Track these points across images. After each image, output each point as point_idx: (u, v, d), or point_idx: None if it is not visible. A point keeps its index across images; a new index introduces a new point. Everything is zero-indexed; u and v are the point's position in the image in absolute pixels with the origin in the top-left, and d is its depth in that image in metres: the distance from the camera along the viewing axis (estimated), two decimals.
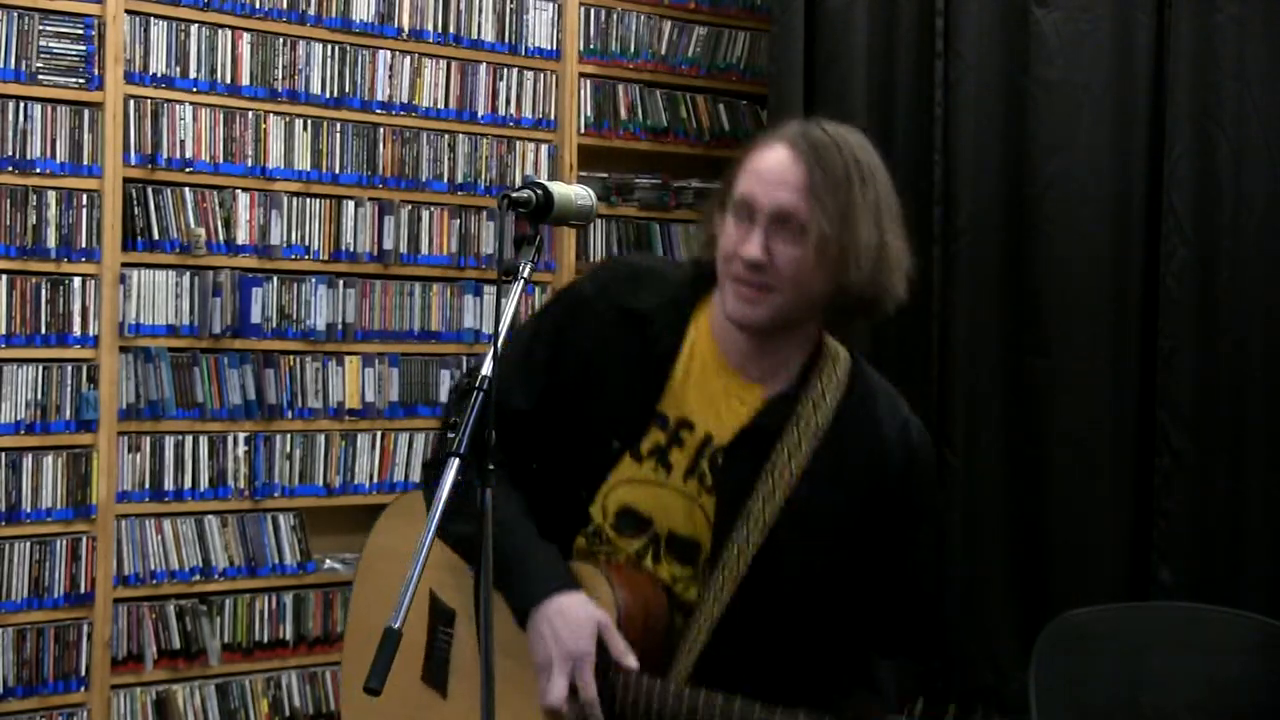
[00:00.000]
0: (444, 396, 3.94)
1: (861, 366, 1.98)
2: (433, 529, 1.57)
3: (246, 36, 3.69)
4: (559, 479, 1.94)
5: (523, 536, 1.85)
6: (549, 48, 4.13)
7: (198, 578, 3.63)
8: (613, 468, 1.92)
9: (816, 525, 1.90)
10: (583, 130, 4.16)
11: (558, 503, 1.94)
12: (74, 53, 3.48)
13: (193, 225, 3.62)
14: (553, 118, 4.14)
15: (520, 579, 1.84)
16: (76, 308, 3.49)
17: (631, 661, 1.81)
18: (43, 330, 3.46)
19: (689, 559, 1.92)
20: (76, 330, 3.49)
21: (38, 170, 3.44)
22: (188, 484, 3.62)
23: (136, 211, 3.56)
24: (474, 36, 4.02)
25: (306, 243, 3.77)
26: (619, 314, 1.91)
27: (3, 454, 3.41)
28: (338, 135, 3.82)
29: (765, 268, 1.82)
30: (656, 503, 1.92)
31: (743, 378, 1.93)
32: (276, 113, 3.73)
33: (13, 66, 3.42)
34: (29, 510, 3.43)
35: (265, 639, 3.71)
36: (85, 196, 3.49)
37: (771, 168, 1.86)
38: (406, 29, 3.91)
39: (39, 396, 3.44)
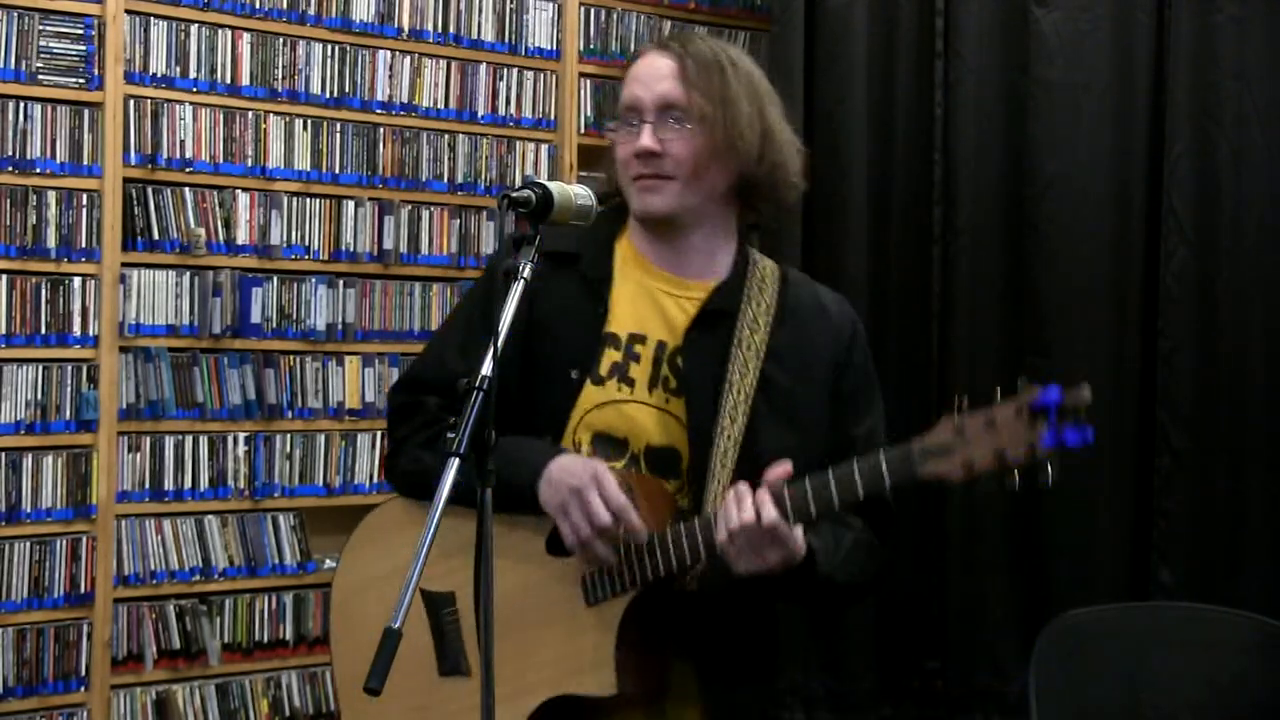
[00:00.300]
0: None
1: (788, 269, 2.10)
2: (432, 529, 1.57)
3: (246, 36, 3.69)
4: (526, 430, 1.95)
5: (508, 441, 1.78)
6: (549, 48, 4.13)
7: (198, 578, 3.63)
8: (576, 398, 1.96)
9: (789, 403, 1.97)
10: (583, 130, 4.16)
11: None
12: (74, 53, 3.48)
13: (193, 225, 3.62)
14: (553, 118, 4.14)
15: (518, 465, 1.86)
16: (76, 308, 3.49)
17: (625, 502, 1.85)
18: (43, 330, 3.46)
19: (672, 470, 1.96)
20: (76, 330, 3.49)
21: (38, 170, 3.44)
22: (188, 484, 3.62)
23: (136, 211, 3.56)
24: (474, 36, 4.02)
25: (306, 243, 3.77)
26: (545, 259, 1.91)
27: (3, 454, 3.41)
28: (338, 135, 3.82)
29: (661, 156, 1.94)
30: (627, 421, 1.95)
31: (678, 276, 2.01)
32: (276, 113, 3.73)
33: (13, 66, 3.42)
34: (29, 510, 3.43)
35: (265, 639, 3.71)
36: (85, 196, 3.49)
37: (646, 68, 1.99)
38: (406, 29, 3.91)
39: (39, 396, 3.44)
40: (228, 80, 3.67)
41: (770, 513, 1.76)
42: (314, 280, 3.77)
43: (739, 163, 1.97)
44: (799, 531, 1.80)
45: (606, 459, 1.94)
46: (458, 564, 1.88)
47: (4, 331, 3.41)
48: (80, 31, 3.49)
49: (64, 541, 3.46)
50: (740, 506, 1.78)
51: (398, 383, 2.17)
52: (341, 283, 3.81)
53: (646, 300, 2.00)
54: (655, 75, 1.98)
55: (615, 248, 2.05)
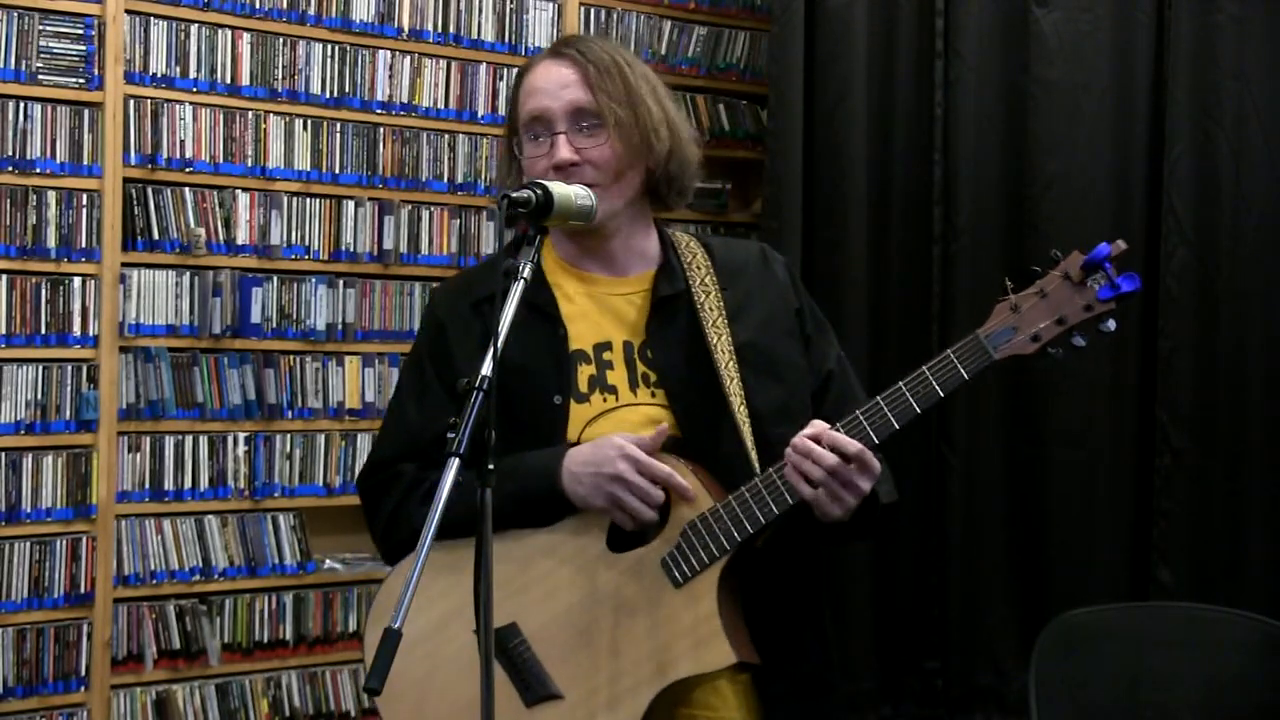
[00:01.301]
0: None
1: (699, 234, 2.13)
2: (432, 529, 1.57)
3: (246, 36, 3.69)
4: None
5: (507, 463, 1.78)
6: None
7: (198, 578, 3.63)
8: (566, 422, 1.96)
9: (766, 358, 2.00)
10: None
11: None
12: (74, 53, 3.48)
13: (193, 225, 3.62)
14: None
15: (527, 477, 1.87)
16: (76, 308, 3.49)
17: (658, 441, 1.88)
18: (43, 330, 3.46)
19: (679, 456, 1.96)
20: (76, 330, 3.49)
21: (38, 170, 3.44)
22: (188, 484, 3.62)
23: (136, 211, 3.56)
24: (474, 36, 4.02)
25: (306, 243, 3.77)
26: (472, 307, 2.01)
27: (3, 454, 3.41)
28: (338, 135, 3.82)
29: (580, 165, 1.94)
30: (620, 426, 1.95)
31: (614, 277, 2.03)
32: (276, 113, 3.73)
33: (13, 66, 3.42)
34: (29, 510, 3.43)
35: (265, 639, 3.71)
36: (85, 196, 3.49)
37: (549, 78, 1.98)
38: (406, 29, 3.91)
39: (39, 396, 3.44)
40: (228, 80, 3.67)
41: (853, 443, 1.80)
42: (314, 280, 3.77)
43: (653, 160, 1.99)
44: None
45: None
46: (503, 595, 1.86)
47: (4, 331, 3.41)
48: (80, 31, 3.49)
49: (64, 541, 3.46)
50: (814, 456, 1.80)
51: (362, 471, 2.11)
52: (341, 283, 3.81)
53: (597, 308, 2.01)
54: (559, 83, 1.97)
55: (545, 271, 2.03)
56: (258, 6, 3.69)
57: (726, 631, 1.83)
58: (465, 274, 2.23)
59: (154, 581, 3.57)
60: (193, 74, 3.62)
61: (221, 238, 3.66)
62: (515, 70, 4.06)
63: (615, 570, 1.90)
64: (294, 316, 3.74)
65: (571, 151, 1.94)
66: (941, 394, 1.82)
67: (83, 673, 3.48)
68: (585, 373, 1.98)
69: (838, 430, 1.82)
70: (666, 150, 1.99)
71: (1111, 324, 1.79)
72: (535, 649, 1.92)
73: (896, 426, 1.81)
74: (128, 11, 3.53)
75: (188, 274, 3.62)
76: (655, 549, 1.89)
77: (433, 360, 2.05)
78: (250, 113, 3.70)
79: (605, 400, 1.97)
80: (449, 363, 2.02)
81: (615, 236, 2.02)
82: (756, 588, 1.93)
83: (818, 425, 1.84)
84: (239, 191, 3.68)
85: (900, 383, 1.83)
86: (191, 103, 3.62)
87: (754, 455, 1.91)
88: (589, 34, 1.95)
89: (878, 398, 1.83)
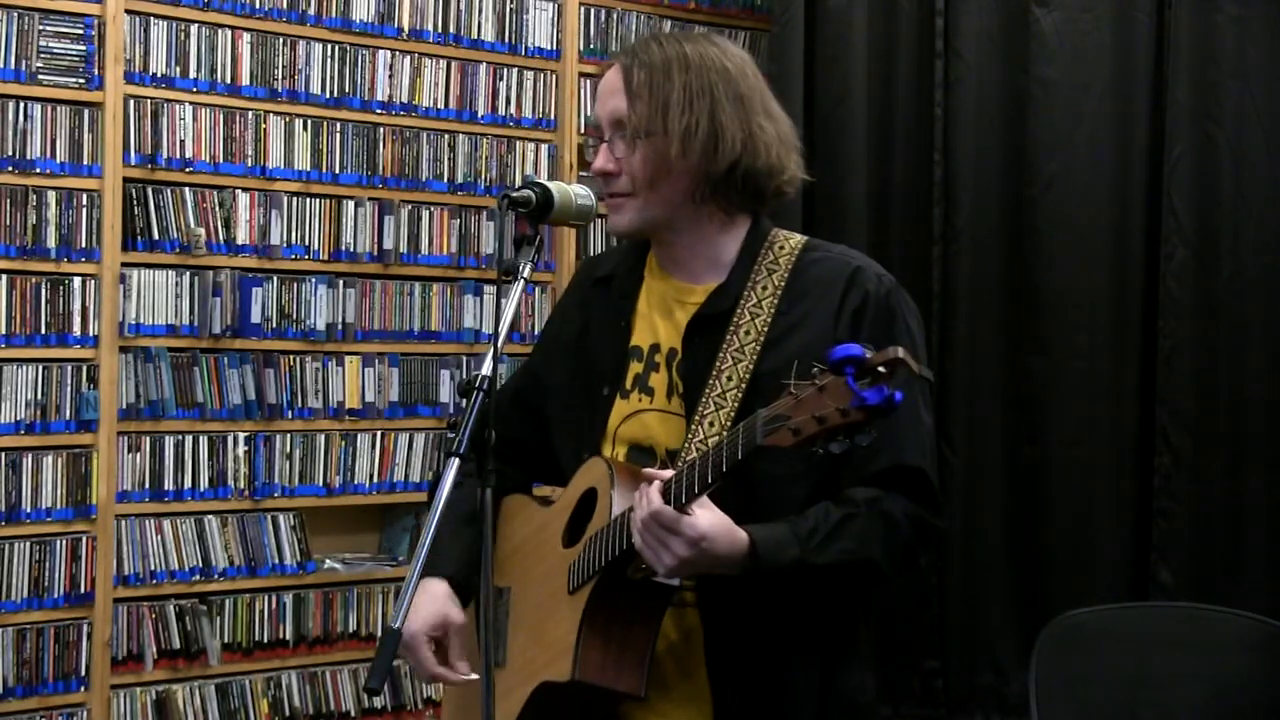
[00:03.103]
0: (446, 396, 3.94)
1: (815, 242, 2.00)
2: (433, 529, 1.57)
3: (246, 36, 3.69)
4: (568, 447, 2.00)
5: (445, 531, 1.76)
6: (549, 48, 4.13)
7: (198, 578, 3.63)
8: (609, 414, 1.96)
9: (779, 392, 1.85)
10: (583, 130, 4.16)
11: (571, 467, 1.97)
12: (74, 53, 3.48)
13: (193, 225, 3.62)
14: (553, 118, 4.14)
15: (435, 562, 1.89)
16: (76, 308, 3.49)
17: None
18: (43, 330, 3.46)
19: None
20: (76, 330, 3.49)
21: (38, 170, 3.44)
22: (188, 484, 3.62)
23: (136, 211, 3.56)
24: (474, 36, 4.02)
25: (306, 243, 3.77)
26: (593, 284, 2.08)
27: (3, 454, 3.40)
28: (338, 135, 3.82)
29: (617, 175, 1.92)
30: (646, 429, 1.95)
31: (684, 282, 1.99)
32: (276, 113, 3.73)
33: (13, 66, 3.42)
34: (29, 510, 3.43)
35: (265, 639, 3.71)
36: (85, 196, 3.49)
37: (604, 83, 1.97)
38: (406, 29, 3.91)
39: (39, 396, 3.44)
40: (228, 80, 3.67)
41: (654, 501, 1.70)
42: (314, 280, 3.77)
43: (692, 165, 1.90)
44: (709, 520, 1.72)
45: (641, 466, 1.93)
46: (516, 558, 1.94)
47: (4, 331, 3.41)
48: (80, 31, 3.49)
49: (64, 541, 3.46)
50: (638, 504, 1.73)
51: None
52: (341, 283, 3.81)
53: (661, 309, 2.00)
54: (608, 90, 1.96)
55: (645, 265, 2.04)
56: (258, 6, 3.69)
57: (580, 648, 1.79)
58: (611, 250, 2.23)
59: (154, 581, 3.57)
60: (193, 74, 3.62)
61: (221, 238, 3.66)
62: (515, 70, 4.07)
63: (553, 562, 1.93)
64: (294, 316, 3.74)
65: (608, 159, 1.93)
66: (725, 469, 1.67)
67: (83, 673, 3.48)
68: (634, 370, 1.98)
69: (665, 480, 1.73)
70: (708, 155, 1.89)
71: (866, 439, 1.55)
72: (509, 615, 1.99)
73: (694, 489, 1.69)
74: (128, 11, 3.53)
75: (188, 274, 3.62)
76: (571, 552, 1.90)
77: (548, 322, 2.16)
78: (250, 113, 3.70)
79: (641, 400, 1.96)
80: (549, 326, 2.18)
81: (677, 242, 1.97)
82: (726, 628, 1.87)
83: (652, 473, 1.76)
84: (239, 191, 3.68)
85: (710, 447, 1.72)
86: (191, 103, 3.62)
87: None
88: (668, 32, 1.89)
89: (694, 457, 1.74)
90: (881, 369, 1.52)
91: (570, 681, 1.78)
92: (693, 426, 1.87)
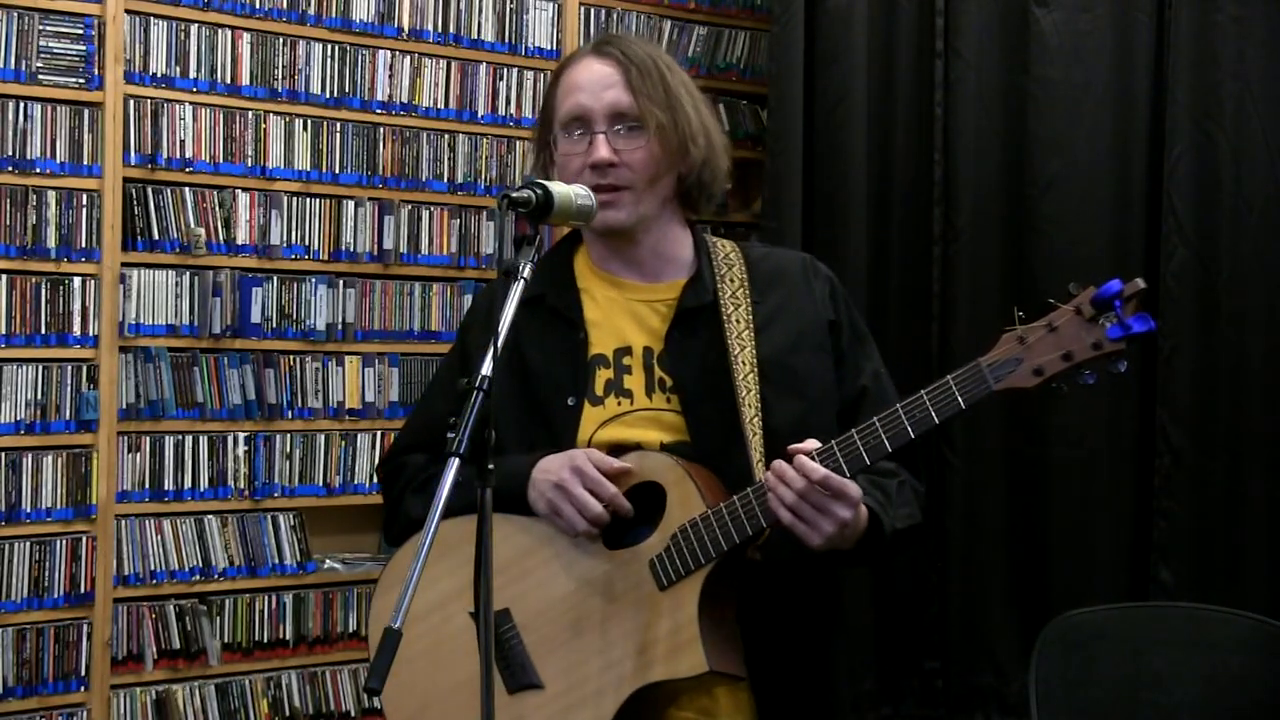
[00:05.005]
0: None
1: (744, 244, 2.10)
2: (432, 530, 1.57)
3: (246, 36, 3.69)
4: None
5: (504, 461, 1.79)
6: (549, 48, 4.13)
7: (198, 578, 3.63)
8: (578, 423, 1.97)
9: (789, 374, 1.97)
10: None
11: None
12: (74, 53, 3.48)
13: (193, 225, 3.62)
14: None
15: (507, 478, 1.84)
16: (76, 308, 3.49)
17: (612, 463, 1.88)
18: (43, 330, 3.46)
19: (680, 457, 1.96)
20: (76, 330, 3.49)
21: (38, 170, 3.44)
22: (188, 484, 3.62)
23: (136, 211, 3.56)
24: (474, 36, 4.02)
25: (306, 243, 3.77)
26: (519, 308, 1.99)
27: (3, 454, 3.41)
28: (338, 135, 3.82)
29: (617, 167, 1.95)
30: (632, 431, 1.96)
31: (645, 283, 2.02)
32: (276, 113, 3.73)
33: (13, 66, 3.42)
34: (29, 510, 3.43)
35: (265, 639, 3.71)
36: (85, 196, 3.49)
37: (590, 76, 1.99)
38: (406, 29, 3.91)
39: (39, 396, 3.44)
40: (228, 80, 3.67)
41: (817, 469, 1.76)
42: (314, 280, 3.77)
43: (687, 166, 1.99)
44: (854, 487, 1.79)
45: None
46: (503, 580, 1.88)
47: (4, 331, 3.41)
48: (80, 31, 3.49)
49: (64, 541, 3.46)
50: (786, 479, 1.77)
51: (382, 459, 2.17)
52: (341, 283, 3.81)
53: (621, 313, 2.01)
54: (602, 83, 1.97)
55: (575, 273, 2.05)
56: (258, 6, 3.69)
57: (704, 639, 1.81)
58: (494, 283, 2.27)
59: (154, 581, 3.57)
60: (193, 74, 3.62)
61: (221, 238, 3.66)
62: (515, 70, 4.07)
63: (607, 567, 1.90)
64: (294, 316, 3.74)
65: (610, 152, 1.95)
66: (936, 421, 1.76)
67: (83, 673, 3.48)
68: (603, 376, 1.98)
69: (813, 455, 1.79)
70: (702, 157, 1.99)
71: (1123, 365, 1.70)
72: (524, 637, 1.94)
73: (866, 459, 1.77)
74: (128, 11, 3.53)
75: (188, 274, 3.62)
76: (647, 549, 1.88)
77: (463, 355, 2.10)
78: (250, 113, 3.70)
79: (620, 404, 1.97)
80: (473, 359, 2.04)
81: (645, 241, 2.01)
82: (761, 601, 1.92)
83: (799, 447, 1.81)
84: (239, 191, 3.68)
85: (898, 405, 1.78)
86: (191, 103, 3.62)
87: (759, 471, 1.89)
88: (628, 33, 1.96)
89: (875, 419, 1.79)
90: (1132, 297, 1.69)
91: (703, 674, 1.80)
92: (741, 412, 1.89)
